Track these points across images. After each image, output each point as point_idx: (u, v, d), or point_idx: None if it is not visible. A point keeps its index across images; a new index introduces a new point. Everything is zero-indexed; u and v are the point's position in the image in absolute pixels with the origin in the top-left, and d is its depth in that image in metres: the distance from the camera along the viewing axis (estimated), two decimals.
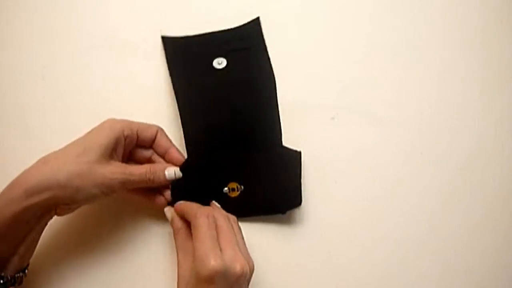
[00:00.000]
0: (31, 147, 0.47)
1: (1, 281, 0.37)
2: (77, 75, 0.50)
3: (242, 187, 0.45)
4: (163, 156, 0.45)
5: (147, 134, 0.44)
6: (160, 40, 0.51)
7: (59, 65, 0.50)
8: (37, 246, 0.40)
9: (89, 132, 0.41)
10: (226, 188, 0.45)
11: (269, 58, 0.50)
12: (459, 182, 0.49)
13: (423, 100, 0.51)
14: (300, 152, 0.45)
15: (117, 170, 0.40)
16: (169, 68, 0.49)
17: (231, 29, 0.51)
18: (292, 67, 0.51)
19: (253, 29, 0.51)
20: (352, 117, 0.50)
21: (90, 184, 0.38)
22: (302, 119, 0.49)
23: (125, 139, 0.42)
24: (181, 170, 0.43)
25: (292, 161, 0.45)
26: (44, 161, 0.38)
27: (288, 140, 0.47)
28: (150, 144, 0.44)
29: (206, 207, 0.42)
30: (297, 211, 0.46)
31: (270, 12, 0.53)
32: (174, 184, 0.43)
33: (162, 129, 0.45)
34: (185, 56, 0.49)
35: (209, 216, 0.39)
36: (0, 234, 0.36)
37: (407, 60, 0.52)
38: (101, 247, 0.45)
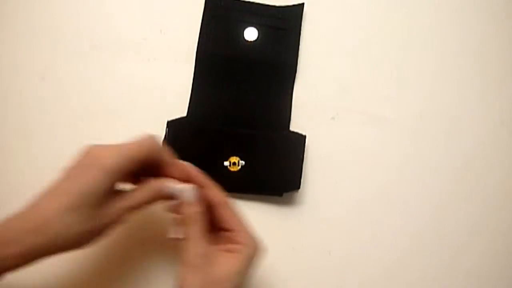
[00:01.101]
0: (31, 147, 0.47)
1: None
2: (77, 75, 0.50)
3: (243, 162, 0.45)
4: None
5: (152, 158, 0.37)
6: (160, 40, 0.51)
7: (59, 65, 0.50)
8: None
9: (73, 174, 0.34)
10: (227, 162, 0.45)
11: (299, 46, 0.50)
12: (459, 182, 0.49)
13: (423, 100, 0.51)
14: (305, 136, 0.46)
15: (115, 211, 0.35)
16: (201, 27, 0.50)
17: (274, 6, 0.51)
18: None
19: (295, 13, 0.51)
20: (352, 117, 0.50)
21: (79, 237, 0.34)
22: (302, 119, 0.49)
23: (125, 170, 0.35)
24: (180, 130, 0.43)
25: (296, 144, 0.46)
26: (30, 210, 0.34)
27: None
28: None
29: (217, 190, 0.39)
30: (297, 211, 0.46)
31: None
32: (172, 144, 0.41)
33: (156, 144, 0.38)
34: (219, 17, 0.50)
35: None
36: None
37: (407, 60, 0.52)
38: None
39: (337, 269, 0.46)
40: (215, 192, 0.38)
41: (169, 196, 0.37)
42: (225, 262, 0.36)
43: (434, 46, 0.53)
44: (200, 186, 0.38)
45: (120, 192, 0.36)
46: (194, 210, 0.37)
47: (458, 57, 0.53)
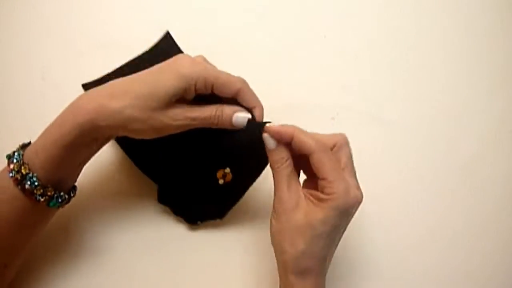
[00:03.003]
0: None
1: (60, 200, 0.38)
2: (77, 75, 0.50)
3: (229, 169, 0.44)
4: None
5: (226, 91, 0.39)
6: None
7: (59, 65, 0.50)
8: None
9: (159, 70, 0.38)
10: (221, 180, 0.44)
11: None
12: (460, 182, 0.49)
13: (424, 100, 0.51)
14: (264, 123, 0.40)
15: (179, 116, 0.38)
16: None
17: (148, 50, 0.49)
18: (293, 67, 0.51)
19: (167, 43, 0.49)
20: (352, 116, 0.50)
21: (148, 128, 0.37)
22: (302, 119, 0.49)
23: (196, 91, 0.38)
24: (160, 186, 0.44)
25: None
26: (111, 92, 0.38)
27: None
28: (229, 99, 0.40)
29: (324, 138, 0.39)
30: None
31: (270, 11, 0.53)
32: (161, 188, 0.44)
33: (246, 85, 0.40)
34: None
35: (328, 149, 0.38)
36: (62, 157, 0.37)
37: (408, 60, 0.52)
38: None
39: (337, 269, 0.46)
40: (305, 138, 0.37)
41: (236, 124, 0.39)
42: (311, 210, 0.36)
43: (435, 46, 0.53)
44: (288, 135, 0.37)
45: (190, 105, 0.39)
46: (276, 157, 0.38)
47: (458, 57, 0.53)
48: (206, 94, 0.39)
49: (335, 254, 0.38)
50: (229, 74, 0.39)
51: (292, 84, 0.50)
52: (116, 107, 0.36)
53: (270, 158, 0.38)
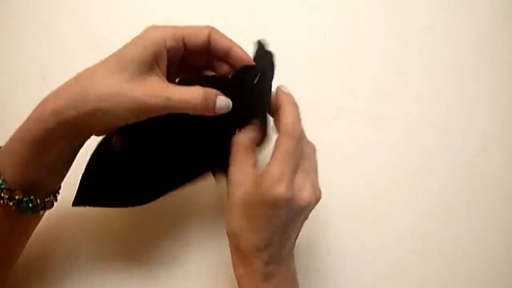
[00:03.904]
0: None
1: (30, 205, 0.35)
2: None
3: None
4: (224, 59, 0.38)
5: (197, 40, 0.36)
6: None
7: (59, 65, 0.50)
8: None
9: (125, 45, 0.35)
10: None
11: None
12: (460, 182, 0.49)
13: (424, 100, 0.51)
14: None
15: (153, 93, 0.34)
16: None
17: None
18: (293, 66, 0.51)
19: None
20: (353, 116, 0.50)
21: (122, 108, 0.33)
22: (303, 119, 0.49)
23: (168, 51, 0.35)
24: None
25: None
26: (77, 77, 0.35)
27: None
28: (204, 49, 0.37)
29: (297, 125, 0.37)
30: None
31: (270, 10, 0.53)
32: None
33: (215, 29, 0.37)
34: None
35: (300, 139, 0.36)
36: (29, 156, 0.34)
37: (408, 60, 0.52)
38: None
39: (337, 269, 0.46)
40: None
41: (219, 108, 0.35)
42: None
43: (435, 46, 0.53)
44: None
45: (169, 84, 0.35)
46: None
47: (459, 57, 0.53)
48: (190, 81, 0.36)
49: (333, 254, 0.37)
50: (197, 26, 0.37)
51: (292, 84, 0.50)
52: (80, 88, 0.33)
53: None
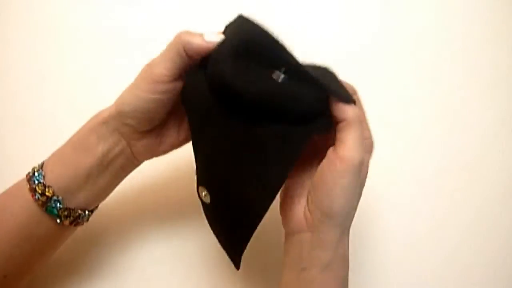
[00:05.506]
0: (31, 147, 0.47)
1: (57, 205, 0.35)
2: (78, 75, 0.50)
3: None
4: None
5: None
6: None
7: (59, 65, 0.50)
8: None
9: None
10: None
11: None
12: (461, 183, 0.49)
13: (425, 100, 0.51)
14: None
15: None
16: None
17: None
18: None
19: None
20: None
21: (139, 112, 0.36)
22: None
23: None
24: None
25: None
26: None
27: None
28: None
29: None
30: None
31: (270, 11, 0.53)
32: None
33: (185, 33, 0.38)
34: None
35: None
36: (70, 156, 0.35)
37: (409, 60, 0.52)
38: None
39: None
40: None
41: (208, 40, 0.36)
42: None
43: (436, 47, 0.53)
44: None
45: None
46: None
47: (459, 57, 0.53)
48: None
49: None
50: None
51: None
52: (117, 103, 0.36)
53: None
